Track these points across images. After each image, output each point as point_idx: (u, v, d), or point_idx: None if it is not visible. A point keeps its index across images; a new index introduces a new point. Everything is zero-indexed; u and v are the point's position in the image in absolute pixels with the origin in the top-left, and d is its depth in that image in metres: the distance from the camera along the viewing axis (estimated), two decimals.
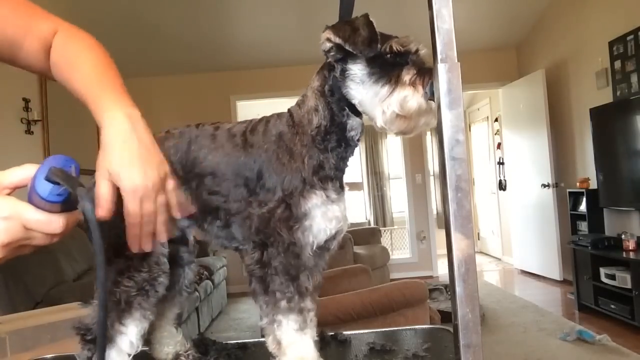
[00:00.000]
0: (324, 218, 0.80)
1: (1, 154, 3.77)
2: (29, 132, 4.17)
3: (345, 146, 0.84)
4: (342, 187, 0.86)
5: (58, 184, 0.57)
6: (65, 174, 0.58)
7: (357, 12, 0.82)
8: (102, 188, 0.69)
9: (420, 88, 0.77)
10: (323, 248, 0.85)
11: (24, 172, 0.60)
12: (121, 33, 5.32)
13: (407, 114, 0.77)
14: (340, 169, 0.85)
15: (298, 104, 0.87)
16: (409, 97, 0.77)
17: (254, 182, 0.83)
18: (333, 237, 0.84)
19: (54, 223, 0.59)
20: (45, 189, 0.57)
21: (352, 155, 0.87)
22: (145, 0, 5.08)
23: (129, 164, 0.69)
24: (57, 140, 4.54)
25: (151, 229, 0.73)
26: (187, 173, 0.86)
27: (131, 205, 0.69)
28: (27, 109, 4.13)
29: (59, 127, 4.57)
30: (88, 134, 5.48)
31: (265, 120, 0.87)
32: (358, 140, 0.86)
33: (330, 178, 0.83)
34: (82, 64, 0.80)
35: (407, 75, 0.78)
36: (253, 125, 0.87)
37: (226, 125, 0.90)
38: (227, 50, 6.17)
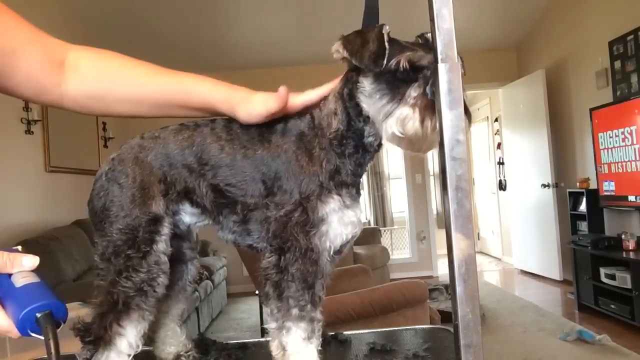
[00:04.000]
0: (341, 223, 0.79)
1: (1, 154, 3.76)
2: (29, 132, 4.17)
3: (363, 152, 0.82)
4: (358, 193, 0.84)
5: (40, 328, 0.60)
6: (52, 328, 0.60)
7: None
8: None
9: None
10: (336, 252, 0.84)
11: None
12: (121, 33, 5.31)
13: (407, 135, 0.74)
14: (357, 175, 0.83)
15: (319, 106, 0.85)
16: (409, 117, 0.73)
17: (271, 180, 0.81)
18: (347, 242, 0.83)
19: (12, 333, 0.62)
20: (26, 325, 0.61)
21: (371, 160, 0.85)
22: (145, 0, 5.08)
23: None
24: (57, 140, 4.54)
25: None
26: (202, 165, 0.84)
27: None
28: (27, 109, 4.12)
29: (59, 127, 4.57)
30: (88, 134, 5.48)
31: (284, 120, 0.86)
32: (378, 146, 0.83)
33: (346, 184, 0.81)
34: (151, 73, 0.87)
35: (413, 94, 0.73)
36: (269, 122, 0.85)
37: None
38: (227, 50, 6.17)
